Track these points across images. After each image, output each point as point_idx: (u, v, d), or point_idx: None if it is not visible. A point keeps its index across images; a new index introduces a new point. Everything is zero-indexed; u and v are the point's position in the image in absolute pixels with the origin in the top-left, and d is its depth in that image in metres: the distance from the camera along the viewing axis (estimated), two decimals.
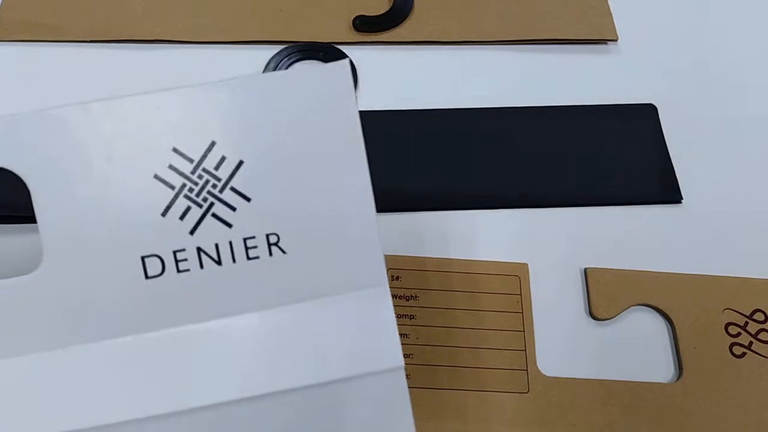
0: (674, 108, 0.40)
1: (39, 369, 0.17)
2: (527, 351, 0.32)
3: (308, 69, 0.18)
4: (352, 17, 0.44)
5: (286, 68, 0.41)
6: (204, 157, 0.18)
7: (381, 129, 0.39)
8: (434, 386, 0.31)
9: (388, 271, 0.33)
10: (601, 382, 0.31)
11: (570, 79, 0.42)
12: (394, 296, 0.32)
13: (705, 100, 0.42)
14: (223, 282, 0.18)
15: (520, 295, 0.34)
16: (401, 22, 0.44)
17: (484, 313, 0.33)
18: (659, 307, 0.34)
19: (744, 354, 0.32)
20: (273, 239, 0.18)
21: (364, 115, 0.37)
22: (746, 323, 0.33)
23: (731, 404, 0.31)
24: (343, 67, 0.18)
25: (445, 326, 0.32)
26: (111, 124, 0.17)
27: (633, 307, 0.34)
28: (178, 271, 0.18)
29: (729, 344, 0.33)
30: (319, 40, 0.43)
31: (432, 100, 0.40)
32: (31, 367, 0.17)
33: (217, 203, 0.18)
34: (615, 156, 0.38)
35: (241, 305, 0.18)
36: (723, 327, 0.33)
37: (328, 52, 0.42)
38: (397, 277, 0.34)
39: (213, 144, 0.18)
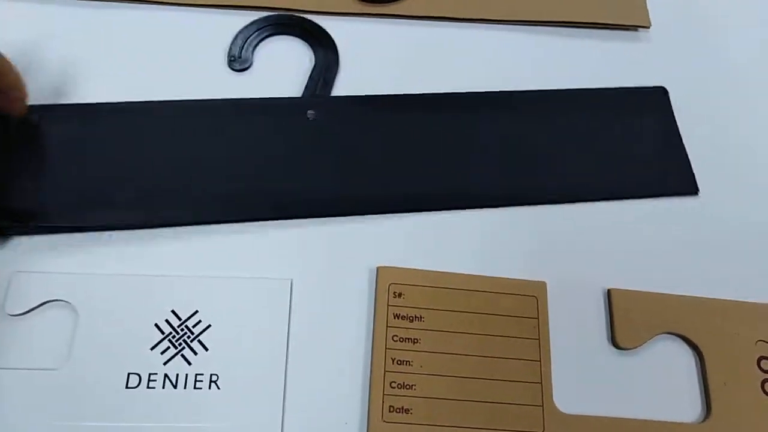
0: (699, 98, 0.37)
1: None
2: (543, 384, 0.29)
3: (259, 284, 0.29)
4: None
5: (254, 46, 0.36)
6: (189, 318, 0.28)
7: (380, 113, 0.34)
8: (438, 423, 0.27)
9: (389, 286, 0.29)
10: (623, 422, 0.28)
11: (590, 66, 0.38)
12: (395, 316, 0.29)
13: (729, 94, 0.38)
14: (175, 400, 0.27)
15: (537, 318, 0.30)
16: None
17: (496, 339, 0.29)
18: (688, 336, 0.30)
19: None
20: (214, 378, 0.27)
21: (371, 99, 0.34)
22: None
23: None
24: (284, 287, 0.29)
25: (453, 353, 0.29)
26: None
27: (659, 336, 0.30)
28: (148, 387, 0.27)
29: (761, 381, 0.30)
30: (320, 10, 0.38)
31: (441, 81, 0.36)
32: None
33: (186, 348, 0.28)
34: (623, 144, 0.35)
35: (183, 417, 0.27)
36: (755, 361, 0.30)
37: (306, 29, 0.37)
38: (400, 294, 0.30)
39: (196, 312, 0.28)
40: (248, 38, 0.36)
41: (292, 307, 0.29)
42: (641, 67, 0.39)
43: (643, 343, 0.30)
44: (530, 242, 0.32)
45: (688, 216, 0.34)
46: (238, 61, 0.35)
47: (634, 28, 0.39)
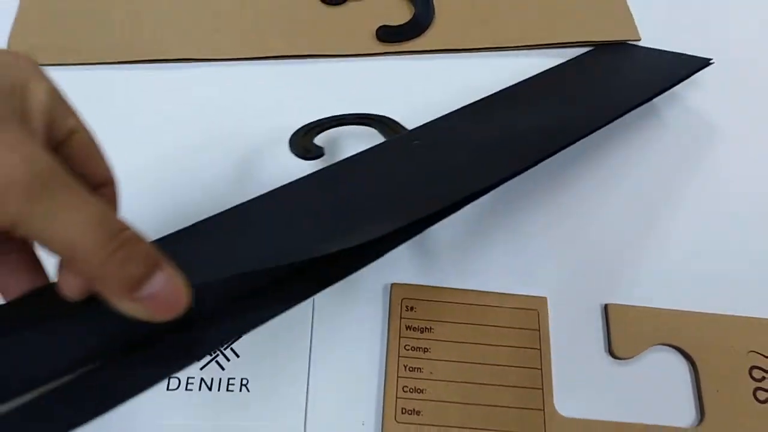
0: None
1: None
2: (544, 389, 0.31)
3: None
4: (375, 27, 0.43)
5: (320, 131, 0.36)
6: None
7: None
8: (446, 424, 0.30)
9: (401, 301, 0.33)
10: (620, 425, 0.30)
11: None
12: (407, 327, 0.32)
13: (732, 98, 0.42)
14: (210, 401, 0.30)
15: (539, 330, 0.33)
16: (423, 30, 0.44)
17: (500, 348, 0.32)
18: (682, 347, 0.32)
19: None
20: (245, 381, 0.31)
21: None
22: None
23: None
24: (307, 302, 0.26)
25: (460, 361, 0.31)
26: None
27: (655, 347, 0.32)
28: (186, 389, 0.30)
29: (753, 389, 0.32)
30: (344, 53, 0.42)
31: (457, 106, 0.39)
32: None
33: (220, 355, 0.31)
34: (622, 72, 0.39)
35: (216, 416, 0.30)
36: (747, 371, 0.32)
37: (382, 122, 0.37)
38: (412, 308, 0.33)
39: None
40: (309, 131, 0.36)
41: (314, 319, 0.32)
42: None
43: (639, 353, 0.32)
44: (532, 259, 0.35)
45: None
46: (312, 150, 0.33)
47: (624, 42, 0.43)
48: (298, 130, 0.35)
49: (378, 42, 0.43)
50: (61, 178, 0.17)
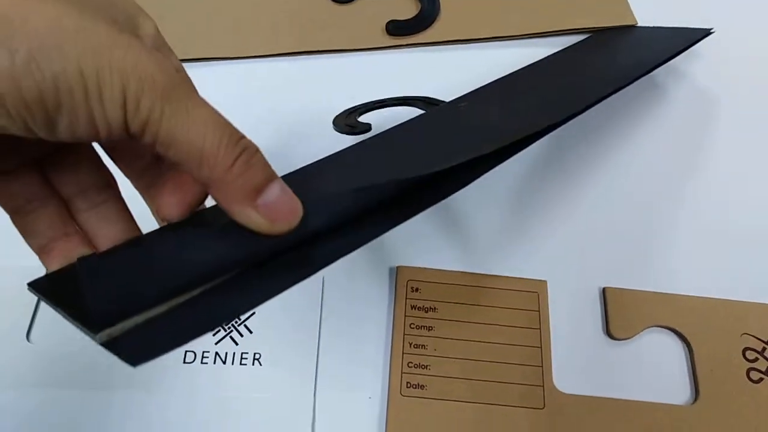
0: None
1: None
2: (544, 367, 0.32)
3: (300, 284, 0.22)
4: (384, 23, 0.45)
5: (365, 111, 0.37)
6: None
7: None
8: (450, 398, 0.31)
9: (407, 282, 0.34)
10: (617, 401, 0.32)
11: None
12: (412, 307, 0.33)
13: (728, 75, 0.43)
14: (224, 374, 0.31)
15: (539, 311, 0.34)
16: (431, 23, 0.46)
17: (502, 328, 0.33)
18: (677, 329, 0.34)
19: (761, 380, 0.32)
20: (257, 356, 0.32)
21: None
22: (764, 349, 0.33)
23: (747, 429, 0.31)
24: (317, 282, 0.33)
25: (463, 339, 0.33)
26: None
27: (651, 328, 0.34)
28: (201, 362, 0.32)
29: (746, 369, 0.33)
30: (355, 47, 0.44)
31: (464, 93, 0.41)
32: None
33: (234, 331, 0.33)
34: (627, 49, 0.41)
35: (231, 388, 0.31)
36: (740, 352, 0.33)
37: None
38: (417, 289, 0.34)
39: None
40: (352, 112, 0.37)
41: (324, 299, 0.34)
42: None
43: (636, 334, 0.33)
44: (532, 244, 0.36)
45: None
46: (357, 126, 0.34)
47: (626, 27, 0.45)
48: (341, 113, 0.37)
49: (388, 36, 0.45)
50: (189, 85, 0.18)
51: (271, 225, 0.19)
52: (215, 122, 0.18)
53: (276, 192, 0.19)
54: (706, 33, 0.41)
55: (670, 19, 0.44)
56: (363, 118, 0.36)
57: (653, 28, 0.44)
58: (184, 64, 0.23)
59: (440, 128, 0.33)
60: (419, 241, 0.36)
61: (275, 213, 0.19)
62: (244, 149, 0.19)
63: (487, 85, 0.40)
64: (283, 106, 0.42)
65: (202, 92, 0.19)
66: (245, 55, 0.44)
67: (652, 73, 0.39)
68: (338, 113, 0.37)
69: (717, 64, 0.44)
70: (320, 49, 0.44)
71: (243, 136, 0.19)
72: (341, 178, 0.26)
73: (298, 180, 0.24)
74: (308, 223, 0.21)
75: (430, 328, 0.33)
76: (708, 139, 0.41)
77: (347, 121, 0.35)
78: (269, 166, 0.20)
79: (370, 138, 0.32)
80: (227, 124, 0.19)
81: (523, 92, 0.38)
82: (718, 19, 0.43)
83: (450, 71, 0.44)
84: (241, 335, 0.32)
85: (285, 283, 0.21)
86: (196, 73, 0.42)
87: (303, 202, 0.21)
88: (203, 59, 0.43)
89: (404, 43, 0.45)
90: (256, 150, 0.19)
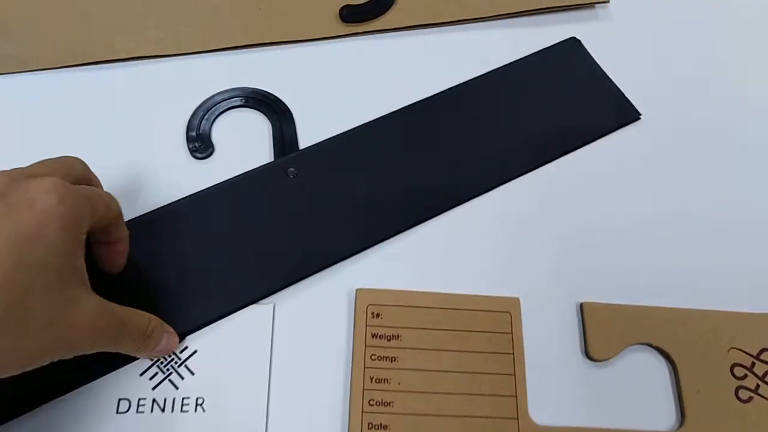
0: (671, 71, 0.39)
1: None
2: (518, 397, 0.29)
3: (243, 309, 0.31)
4: (337, 8, 0.41)
5: (210, 128, 0.36)
6: None
7: (352, 148, 0.36)
8: None
9: (367, 307, 0.31)
10: None
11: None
12: (373, 336, 0.30)
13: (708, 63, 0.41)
14: (162, 424, 0.28)
15: (511, 333, 0.31)
16: (389, 7, 0.42)
17: (471, 355, 0.30)
18: (660, 346, 0.31)
19: (751, 399, 0.30)
20: (200, 401, 0.29)
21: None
22: (753, 364, 0.31)
23: None
24: (267, 312, 0.31)
25: (430, 369, 0.30)
26: None
27: (632, 347, 0.31)
28: (137, 412, 0.28)
29: (735, 388, 0.30)
30: (307, 37, 0.40)
31: (428, 85, 0.38)
32: None
33: (174, 373, 0.29)
34: (561, 99, 0.38)
35: None
36: (728, 369, 0.31)
37: (252, 99, 0.37)
38: (378, 314, 0.31)
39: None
40: (202, 121, 0.36)
41: (275, 330, 0.30)
42: (606, 44, 0.41)
43: (617, 354, 0.31)
44: (503, 259, 0.33)
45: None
46: (200, 150, 0.35)
47: (592, 5, 0.42)
48: (192, 120, 0.36)
49: (342, 23, 0.41)
50: (118, 328, 0.25)
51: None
52: (134, 338, 0.26)
53: (165, 344, 0.28)
54: (635, 117, 0.38)
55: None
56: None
57: (598, 76, 0.40)
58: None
59: (267, 209, 0.33)
60: (380, 260, 0.33)
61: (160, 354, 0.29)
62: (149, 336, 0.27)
63: (343, 135, 0.36)
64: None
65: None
66: (178, 52, 0.39)
67: None
68: (189, 120, 0.36)
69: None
70: (266, 41, 0.40)
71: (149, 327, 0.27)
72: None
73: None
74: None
75: (393, 359, 0.30)
76: (683, 146, 0.38)
77: (197, 137, 0.36)
78: (161, 329, 0.28)
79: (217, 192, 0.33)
80: (141, 333, 0.27)
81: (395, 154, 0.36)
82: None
83: (411, 60, 0.40)
84: (182, 378, 0.29)
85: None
86: (121, 74, 0.38)
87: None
88: (131, 59, 0.39)
89: (360, 30, 0.41)
90: (158, 329, 0.28)
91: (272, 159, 0.35)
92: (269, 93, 0.37)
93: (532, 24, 0.42)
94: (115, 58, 0.38)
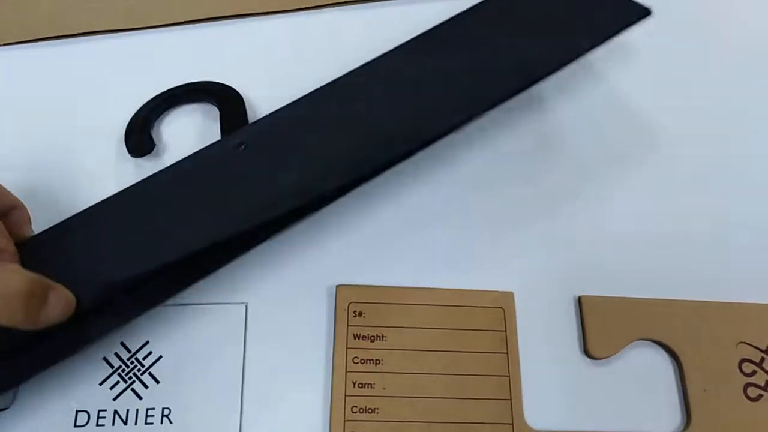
0: None
1: None
2: (513, 400, 0.27)
3: (212, 310, 0.28)
4: None
5: (157, 118, 0.33)
6: (139, 350, 0.27)
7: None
8: None
9: (348, 305, 0.28)
10: None
11: None
12: (355, 337, 0.27)
13: None
14: None
15: (505, 331, 0.29)
16: None
17: (462, 355, 0.28)
18: (664, 342, 0.29)
19: (760, 396, 0.28)
20: (166, 412, 0.26)
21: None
22: (762, 359, 0.29)
23: None
24: (238, 312, 0.28)
25: (418, 372, 0.27)
26: None
27: (634, 343, 0.29)
28: (97, 425, 0.26)
29: (743, 385, 0.28)
30: (268, 9, 0.37)
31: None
32: None
33: (137, 381, 0.27)
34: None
35: None
36: (737, 365, 0.29)
37: (192, 91, 0.34)
38: (360, 313, 0.28)
39: (147, 342, 0.27)
40: (145, 124, 0.32)
41: (248, 332, 0.28)
42: None
43: (618, 351, 0.29)
44: (496, 250, 0.31)
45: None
46: (138, 149, 0.31)
47: None
48: (134, 120, 0.32)
49: None
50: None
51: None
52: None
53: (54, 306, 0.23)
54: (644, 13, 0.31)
55: None
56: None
57: None
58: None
59: (212, 182, 0.28)
60: (362, 254, 0.30)
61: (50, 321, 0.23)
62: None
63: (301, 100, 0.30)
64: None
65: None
66: (139, 26, 0.36)
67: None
68: (130, 120, 0.32)
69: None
70: (232, 13, 0.37)
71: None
72: (118, 243, 0.26)
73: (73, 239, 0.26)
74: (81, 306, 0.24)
75: (377, 362, 0.28)
76: (687, 118, 0.36)
77: (139, 137, 0.32)
78: (45, 286, 0.23)
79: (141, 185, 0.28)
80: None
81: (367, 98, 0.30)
82: None
83: (379, 33, 0.36)
84: (146, 386, 0.26)
85: (56, 359, 0.24)
86: (66, 50, 0.35)
87: (76, 292, 0.24)
88: (78, 35, 0.35)
89: (328, 2, 0.37)
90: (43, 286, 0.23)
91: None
92: (213, 82, 0.34)
93: None
94: (74, 32, 0.35)
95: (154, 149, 0.32)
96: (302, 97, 0.30)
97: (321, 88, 0.31)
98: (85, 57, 0.35)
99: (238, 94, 0.33)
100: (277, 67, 0.35)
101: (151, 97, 0.33)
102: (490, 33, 0.32)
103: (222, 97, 0.33)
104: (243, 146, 0.29)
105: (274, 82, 0.33)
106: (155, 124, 0.33)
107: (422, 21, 0.32)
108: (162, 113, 0.33)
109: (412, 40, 0.32)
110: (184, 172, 0.28)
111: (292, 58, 0.36)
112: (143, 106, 0.33)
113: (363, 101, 0.30)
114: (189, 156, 0.29)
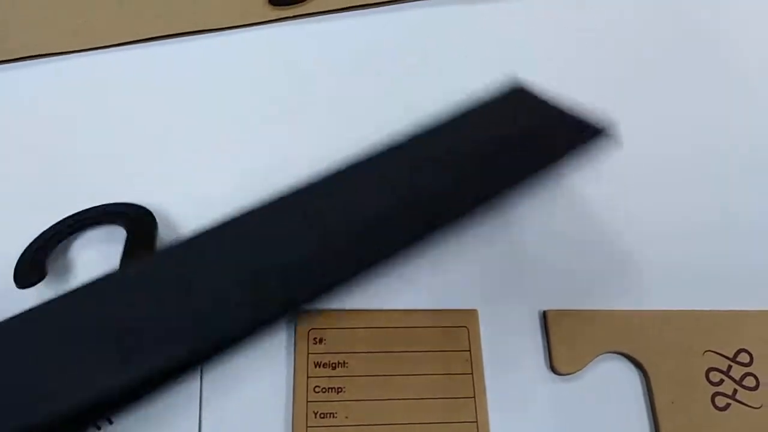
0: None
1: None
2: (479, 422, 0.27)
3: None
4: None
5: (58, 242, 0.29)
6: None
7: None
8: None
9: (308, 333, 0.27)
10: None
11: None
12: (317, 364, 0.27)
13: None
14: None
15: (470, 351, 0.28)
16: None
17: (426, 378, 0.27)
18: (631, 354, 0.29)
19: (728, 405, 0.28)
20: None
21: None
22: (729, 367, 0.29)
23: None
24: None
25: (381, 398, 0.27)
26: None
27: (601, 356, 0.28)
28: None
29: (711, 395, 0.28)
30: (234, 24, 0.36)
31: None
32: None
33: None
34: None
35: None
36: (704, 374, 0.28)
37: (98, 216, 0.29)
38: (321, 340, 0.28)
39: None
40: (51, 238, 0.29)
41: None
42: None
43: (584, 366, 0.28)
44: (457, 267, 0.30)
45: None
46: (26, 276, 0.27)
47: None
48: (30, 248, 0.28)
49: (270, 7, 0.37)
50: None
51: None
52: None
53: None
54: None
55: None
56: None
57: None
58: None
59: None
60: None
61: None
62: None
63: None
64: (140, 114, 0.33)
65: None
66: (91, 47, 0.35)
67: None
68: (26, 249, 0.28)
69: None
70: (191, 29, 0.36)
71: None
72: None
73: None
74: None
75: (339, 390, 0.27)
76: (647, 134, 0.35)
77: (32, 264, 0.27)
78: None
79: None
80: None
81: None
82: None
83: (349, 43, 0.36)
84: (98, 428, 0.26)
85: None
86: (21, 75, 0.34)
87: None
88: (27, 58, 0.34)
89: (292, 14, 0.37)
90: None
91: None
92: (125, 204, 0.30)
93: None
94: (17, 56, 0.34)
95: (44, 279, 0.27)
96: (219, 225, 0.23)
97: (237, 217, 0.23)
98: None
99: (152, 217, 0.29)
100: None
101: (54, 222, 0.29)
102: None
103: (133, 219, 0.29)
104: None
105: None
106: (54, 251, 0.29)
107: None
108: (64, 239, 0.29)
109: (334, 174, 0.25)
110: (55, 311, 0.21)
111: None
112: (40, 235, 0.29)
113: (273, 238, 0.23)
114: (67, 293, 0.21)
